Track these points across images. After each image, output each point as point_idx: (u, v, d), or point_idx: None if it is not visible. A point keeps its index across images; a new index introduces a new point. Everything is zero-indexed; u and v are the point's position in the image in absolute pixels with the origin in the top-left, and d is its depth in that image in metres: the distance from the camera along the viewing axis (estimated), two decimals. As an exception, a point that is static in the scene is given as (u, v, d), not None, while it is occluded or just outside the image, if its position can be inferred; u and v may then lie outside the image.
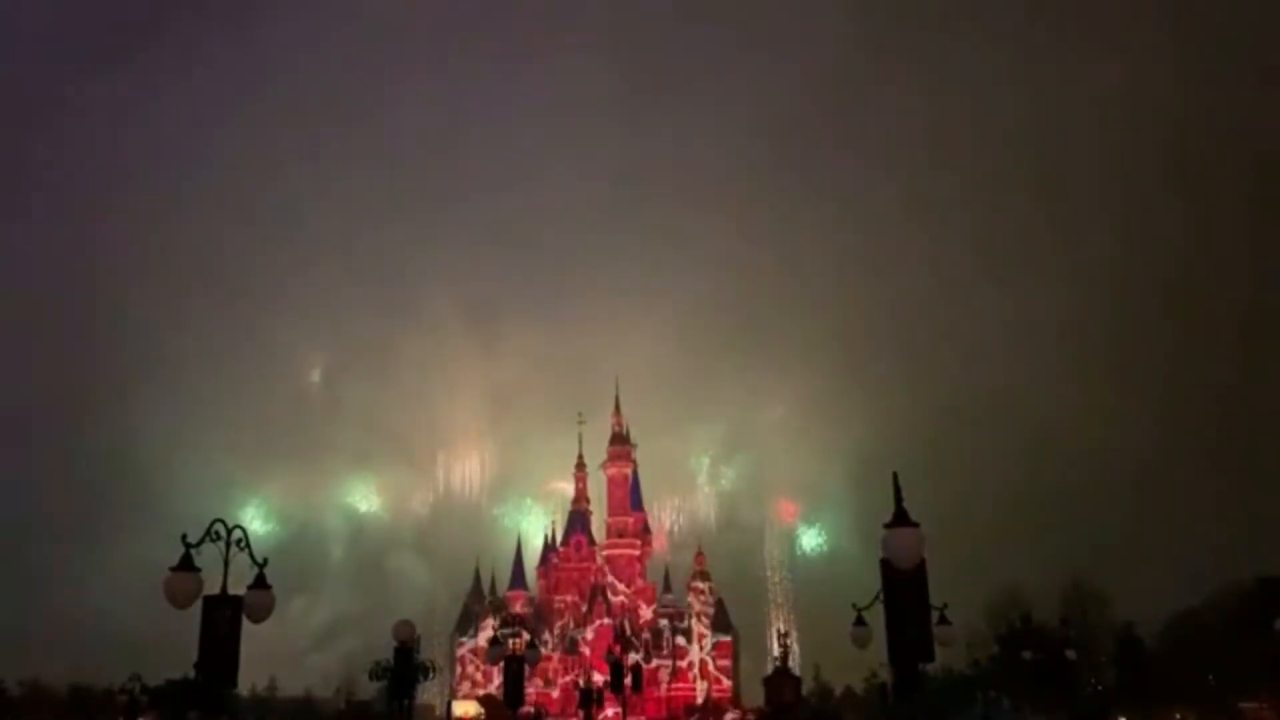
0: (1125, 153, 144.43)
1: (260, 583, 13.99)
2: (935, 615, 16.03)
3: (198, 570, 13.06)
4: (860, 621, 20.67)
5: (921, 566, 11.35)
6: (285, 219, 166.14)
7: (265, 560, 14.20)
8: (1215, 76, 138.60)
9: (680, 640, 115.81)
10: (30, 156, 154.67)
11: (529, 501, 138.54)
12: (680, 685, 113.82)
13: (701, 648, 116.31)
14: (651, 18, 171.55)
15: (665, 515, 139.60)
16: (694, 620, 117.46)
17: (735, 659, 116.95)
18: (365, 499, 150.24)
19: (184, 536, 13.23)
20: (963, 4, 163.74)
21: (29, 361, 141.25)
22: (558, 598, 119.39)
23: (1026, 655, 77.47)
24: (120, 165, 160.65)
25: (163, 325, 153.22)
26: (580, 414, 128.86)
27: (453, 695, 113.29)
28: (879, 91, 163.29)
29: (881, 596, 11.87)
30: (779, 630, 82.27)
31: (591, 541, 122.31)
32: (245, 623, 13.51)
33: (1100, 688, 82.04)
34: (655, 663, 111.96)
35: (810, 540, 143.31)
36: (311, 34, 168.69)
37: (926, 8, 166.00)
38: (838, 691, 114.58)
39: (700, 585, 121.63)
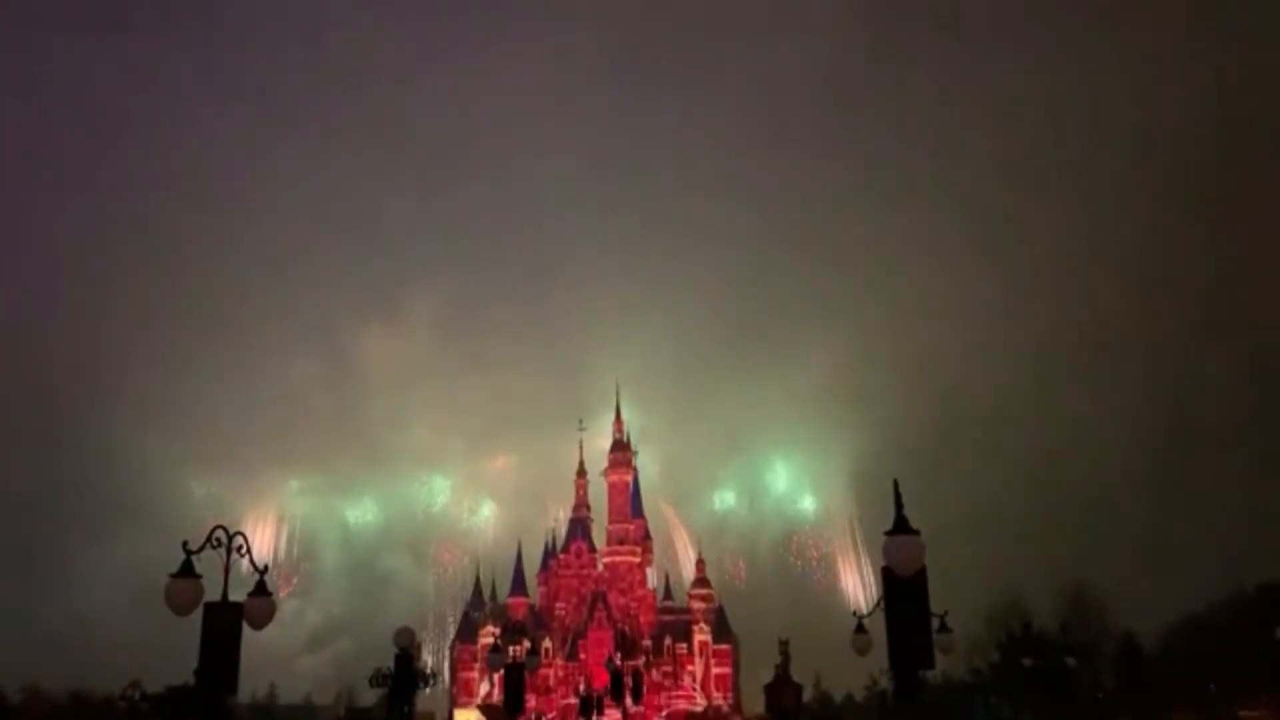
0: (1130, 156, 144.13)
1: (261, 590, 13.97)
2: (936, 622, 16.02)
3: (198, 577, 13.03)
4: (861, 629, 20.72)
5: (922, 574, 11.36)
6: (278, 221, 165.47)
7: (266, 567, 14.20)
8: (1221, 77, 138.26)
9: (681, 647, 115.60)
10: (19, 154, 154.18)
11: (530, 507, 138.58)
12: (681, 692, 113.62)
13: (702, 655, 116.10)
14: (645, 9, 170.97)
15: (666, 521, 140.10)
16: (694, 627, 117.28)
17: (736, 666, 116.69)
18: (362, 510, 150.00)
19: (185, 543, 13.20)
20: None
21: (24, 368, 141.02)
22: (558, 605, 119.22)
23: (1027, 662, 77.55)
24: (105, 165, 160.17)
25: (158, 331, 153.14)
26: (581, 421, 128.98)
27: (453, 702, 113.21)
28: (882, 81, 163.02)
29: (882, 604, 11.88)
30: (780, 637, 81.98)
31: (592, 548, 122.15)
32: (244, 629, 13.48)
33: (1100, 695, 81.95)
34: (656, 670, 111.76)
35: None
36: (290, 30, 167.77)
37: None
38: (838, 698, 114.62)
39: (701, 592, 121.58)
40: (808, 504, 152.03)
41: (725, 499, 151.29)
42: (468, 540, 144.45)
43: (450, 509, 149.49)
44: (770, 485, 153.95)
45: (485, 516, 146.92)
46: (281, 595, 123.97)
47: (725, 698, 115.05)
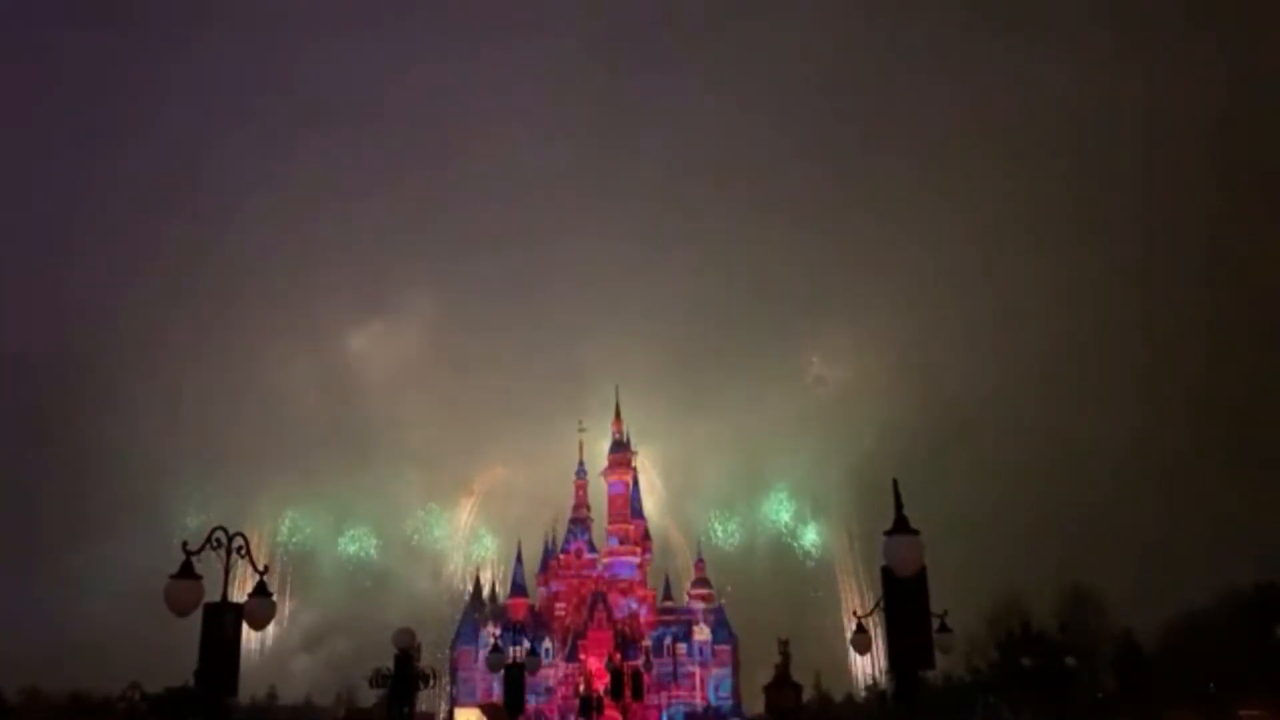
0: (1133, 161, 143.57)
1: (261, 590, 13.97)
2: (936, 622, 16.04)
3: (198, 577, 13.02)
4: (861, 628, 20.76)
5: (922, 574, 11.36)
6: (276, 223, 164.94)
7: (266, 568, 14.19)
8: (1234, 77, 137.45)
9: (681, 647, 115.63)
10: (25, 148, 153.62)
11: (529, 508, 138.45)
12: (680, 692, 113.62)
13: (702, 655, 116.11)
14: (643, 8, 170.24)
15: (665, 522, 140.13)
16: (694, 627, 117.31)
17: (736, 666, 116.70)
18: (361, 534, 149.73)
19: (184, 544, 13.18)
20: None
21: (24, 368, 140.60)
22: (558, 605, 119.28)
23: (1026, 662, 77.75)
24: (110, 162, 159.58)
25: (156, 331, 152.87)
26: (580, 422, 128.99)
27: (454, 703, 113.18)
28: (883, 83, 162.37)
29: (882, 604, 11.88)
30: (779, 637, 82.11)
31: (592, 549, 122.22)
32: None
33: (1100, 694, 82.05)
34: (655, 670, 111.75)
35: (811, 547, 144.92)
36: (283, 31, 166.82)
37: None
38: (838, 698, 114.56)
39: (700, 592, 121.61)
40: (807, 505, 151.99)
41: (724, 498, 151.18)
42: (469, 558, 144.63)
43: (449, 541, 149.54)
44: (769, 485, 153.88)
45: (487, 548, 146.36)
46: (284, 613, 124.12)
47: (725, 697, 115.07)
